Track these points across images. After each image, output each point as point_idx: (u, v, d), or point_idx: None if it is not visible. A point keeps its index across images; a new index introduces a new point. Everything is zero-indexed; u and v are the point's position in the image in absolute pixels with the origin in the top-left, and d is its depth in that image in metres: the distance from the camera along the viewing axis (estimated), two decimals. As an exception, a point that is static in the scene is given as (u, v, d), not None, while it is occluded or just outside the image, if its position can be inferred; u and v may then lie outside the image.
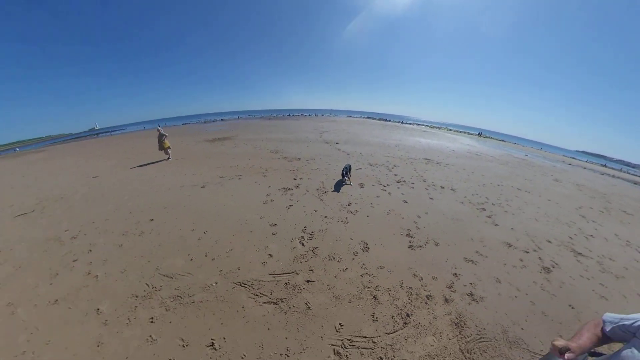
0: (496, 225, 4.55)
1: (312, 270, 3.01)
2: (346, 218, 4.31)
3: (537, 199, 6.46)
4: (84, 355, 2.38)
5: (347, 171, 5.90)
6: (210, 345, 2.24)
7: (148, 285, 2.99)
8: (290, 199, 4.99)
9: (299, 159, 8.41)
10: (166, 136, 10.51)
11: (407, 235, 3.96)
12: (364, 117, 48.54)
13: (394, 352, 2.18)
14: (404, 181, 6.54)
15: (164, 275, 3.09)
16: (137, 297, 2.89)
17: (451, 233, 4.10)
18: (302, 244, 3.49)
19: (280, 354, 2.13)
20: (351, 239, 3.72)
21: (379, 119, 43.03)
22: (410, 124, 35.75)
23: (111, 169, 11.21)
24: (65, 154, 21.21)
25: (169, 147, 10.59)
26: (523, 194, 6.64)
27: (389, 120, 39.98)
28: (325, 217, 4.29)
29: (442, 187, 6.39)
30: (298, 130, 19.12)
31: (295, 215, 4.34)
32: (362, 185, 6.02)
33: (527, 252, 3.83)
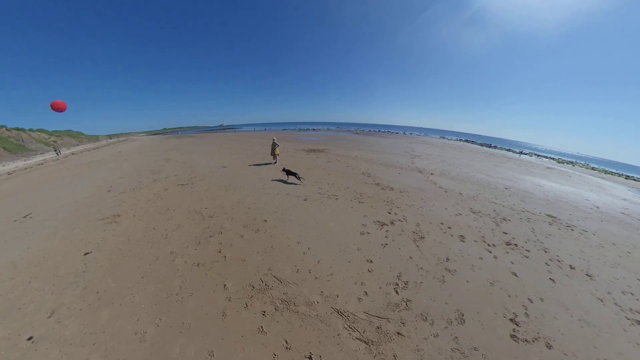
0: (659, 352, 3.18)
1: (403, 324, 3.08)
2: (443, 276, 4.09)
3: None
4: (213, 317, 3.18)
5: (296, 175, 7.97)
6: (308, 358, 2.64)
7: (262, 281, 3.74)
8: (386, 236, 5.14)
9: (392, 189, 8.40)
10: (278, 145, 12.57)
11: (511, 320, 3.42)
12: (461, 140, 42.62)
13: None
14: (516, 245, 5.56)
15: (275, 277, 3.80)
16: (253, 287, 3.65)
17: (575, 339, 3.25)
18: (396, 292, 3.58)
19: (369, 396, 2.30)
20: (447, 303, 3.53)
21: (481, 144, 36.33)
22: (526, 153, 28.59)
23: (234, 162, 14.22)
24: (205, 143, 28.31)
25: (278, 154, 12.61)
26: None
27: (495, 147, 33.27)
28: (421, 268, 4.21)
29: (571, 268, 5.07)
30: (387, 151, 18.88)
31: (390, 256, 4.46)
32: (462, 239, 5.51)
33: None
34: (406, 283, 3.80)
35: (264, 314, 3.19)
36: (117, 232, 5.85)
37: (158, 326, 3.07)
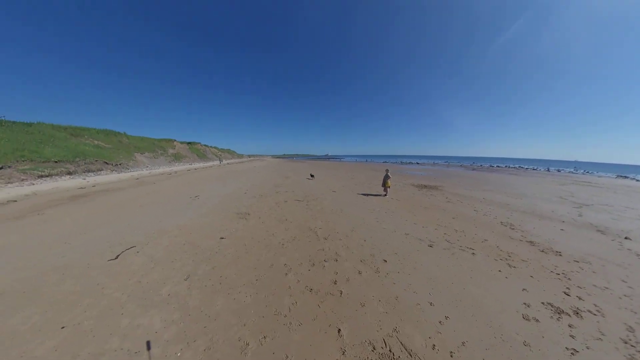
0: None
1: None
2: None
3: None
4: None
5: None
6: None
7: (385, 344, 2.91)
8: (572, 336, 3.20)
9: (559, 254, 5.74)
10: (390, 177, 11.84)
11: None
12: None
13: None
14: None
15: (402, 345, 2.90)
16: (374, 348, 2.87)
17: None
18: None
19: None
20: None
21: None
22: None
23: (343, 189, 14.51)
24: (315, 168, 31.72)
25: (389, 186, 11.83)
26: None
27: None
28: None
29: None
30: (529, 194, 14.24)
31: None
32: None
33: None
34: None
35: (388, 398, 2.34)
36: (245, 228, 6.72)
37: (261, 345, 2.80)
